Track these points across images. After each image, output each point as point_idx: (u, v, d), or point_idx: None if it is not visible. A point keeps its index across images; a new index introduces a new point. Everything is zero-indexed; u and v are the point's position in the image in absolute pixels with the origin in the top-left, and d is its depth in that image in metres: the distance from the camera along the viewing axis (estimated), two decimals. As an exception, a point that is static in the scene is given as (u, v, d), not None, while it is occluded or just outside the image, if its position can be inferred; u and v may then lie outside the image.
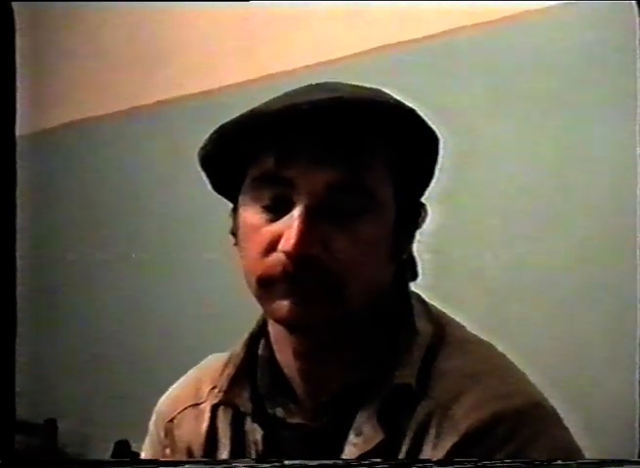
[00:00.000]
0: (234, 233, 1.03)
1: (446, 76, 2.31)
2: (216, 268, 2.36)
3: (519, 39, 2.22)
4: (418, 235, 1.05)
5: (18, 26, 1.21)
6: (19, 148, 1.20)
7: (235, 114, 0.97)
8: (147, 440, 1.17)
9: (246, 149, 0.98)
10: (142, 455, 1.18)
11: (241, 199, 1.01)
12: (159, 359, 2.82)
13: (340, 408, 1.01)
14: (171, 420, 1.13)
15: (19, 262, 1.20)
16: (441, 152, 1.02)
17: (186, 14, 2.87)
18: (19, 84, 1.21)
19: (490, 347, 1.04)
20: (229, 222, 1.04)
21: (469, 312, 1.14)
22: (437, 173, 1.04)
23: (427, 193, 1.05)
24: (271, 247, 0.96)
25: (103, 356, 3.06)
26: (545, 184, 2.18)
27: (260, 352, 1.08)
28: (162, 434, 1.14)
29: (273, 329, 1.04)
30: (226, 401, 1.07)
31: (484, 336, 1.06)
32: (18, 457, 1.19)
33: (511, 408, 0.95)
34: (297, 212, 0.94)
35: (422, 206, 1.04)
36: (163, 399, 1.16)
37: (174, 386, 1.17)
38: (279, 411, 1.04)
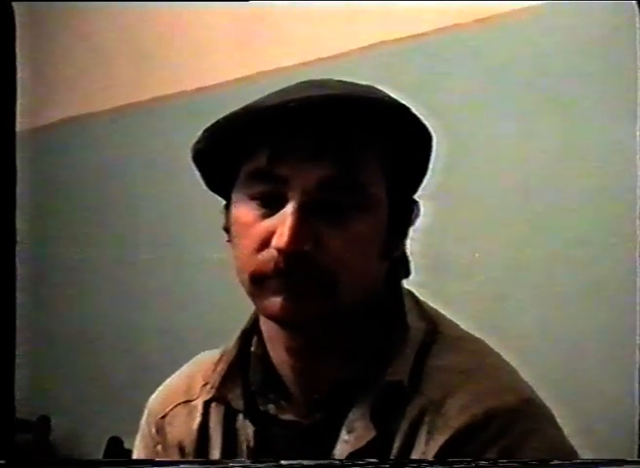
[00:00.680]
0: (227, 229, 1.03)
1: (442, 74, 2.31)
2: (213, 266, 2.35)
3: (517, 37, 2.22)
4: (411, 232, 1.05)
5: (17, 26, 1.21)
6: (17, 145, 1.20)
7: (230, 111, 0.97)
8: (139, 436, 1.17)
9: (239, 146, 0.98)
10: (134, 452, 1.18)
11: (234, 196, 1.00)
12: (153, 356, 2.82)
13: (332, 404, 1.01)
14: (162, 417, 1.13)
15: (18, 262, 1.20)
16: (436, 150, 1.02)
17: (182, 11, 2.87)
18: (18, 82, 1.21)
19: (482, 344, 1.04)
20: (222, 219, 1.04)
21: (463, 310, 1.14)
22: (431, 170, 1.04)
23: (421, 190, 1.05)
24: (264, 243, 0.96)
25: (97, 353, 3.06)
26: (543, 183, 2.18)
27: (252, 349, 1.08)
28: (154, 430, 1.14)
29: (265, 325, 1.04)
30: (218, 397, 1.07)
31: (478, 334, 1.06)
32: (19, 457, 1.19)
33: (504, 405, 0.95)
34: (289, 208, 0.94)
35: (415, 203, 1.04)
36: (155, 396, 1.16)
37: (165, 383, 1.17)
38: (271, 408, 1.04)
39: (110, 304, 3.06)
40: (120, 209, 3.07)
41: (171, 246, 2.89)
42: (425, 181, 1.04)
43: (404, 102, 0.97)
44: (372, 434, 0.98)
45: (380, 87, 1.01)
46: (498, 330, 1.56)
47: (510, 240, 2.20)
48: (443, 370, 0.99)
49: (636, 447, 1.26)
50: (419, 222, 1.05)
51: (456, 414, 0.95)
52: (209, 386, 1.08)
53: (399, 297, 1.04)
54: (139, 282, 3.00)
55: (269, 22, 2.67)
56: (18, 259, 1.21)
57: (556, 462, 0.97)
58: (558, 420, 1.00)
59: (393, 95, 0.99)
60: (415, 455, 0.97)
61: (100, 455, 2.75)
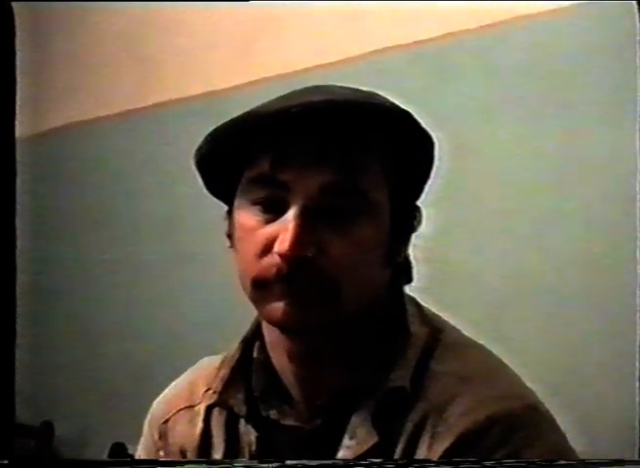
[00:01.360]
0: (229, 235, 1.03)
1: (444, 79, 2.31)
2: (214, 271, 2.36)
3: (517, 41, 2.22)
4: (413, 238, 1.05)
5: (17, 26, 1.21)
6: (18, 150, 1.21)
7: (233, 116, 0.98)
8: (142, 441, 1.17)
9: (241, 151, 0.98)
10: (137, 457, 1.18)
11: (236, 201, 1.01)
12: (157, 361, 2.82)
13: (334, 410, 1.01)
14: (165, 422, 1.13)
15: (19, 262, 1.20)
16: (439, 155, 1.02)
17: (185, 15, 2.87)
18: (18, 85, 1.21)
19: (484, 350, 1.04)
20: (225, 225, 1.04)
21: (465, 315, 1.14)
22: (434, 176, 1.04)
23: (424, 196, 1.05)
24: (266, 249, 0.96)
25: (100, 358, 3.06)
26: (545, 187, 2.18)
27: (254, 354, 1.08)
28: (156, 436, 1.14)
29: (268, 331, 1.04)
30: (221, 402, 1.07)
31: (480, 340, 1.06)
32: (20, 459, 1.19)
33: (506, 410, 0.95)
34: (292, 214, 0.94)
35: (418, 209, 1.04)
36: (157, 401, 1.16)
37: (168, 388, 1.17)
38: (273, 413, 1.04)
39: (112, 307, 3.06)
40: (122, 213, 3.07)
41: (173, 249, 2.89)
42: (428, 187, 1.05)
43: (406, 108, 0.98)
44: (374, 439, 0.98)
45: (383, 93, 1.01)
46: (499, 335, 1.56)
47: (512, 245, 2.20)
48: (445, 375, 0.99)
49: (636, 447, 1.26)
50: (421, 228, 1.05)
51: (458, 420, 0.95)
52: (211, 391, 1.08)
53: (401, 303, 1.04)
54: (141, 285, 3.00)
55: (273, 29, 2.68)
56: (18, 260, 1.21)
57: (557, 463, 0.97)
58: (558, 422, 1.00)
59: (397, 101, 0.99)
60: (417, 460, 0.97)
61: (103, 461, 2.75)
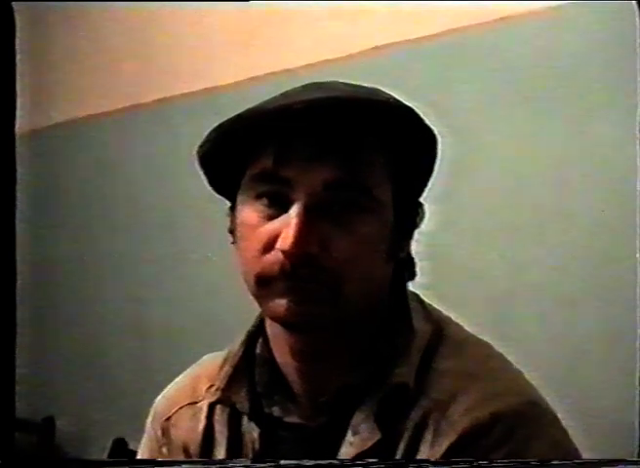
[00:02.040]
0: (232, 232, 1.03)
1: (446, 76, 2.31)
2: (216, 267, 2.35)
3: (519, 39, 2.21)
4: (416, 234, 1.05)
5: (18, 26, 1.21)
6: (18, 146, 1.20)
7: (235, 113, 0.97)
8: (144, 438, 1.17)
9: (244, 148, 0.98)
10: (139, 454, 1.18)
11: (239, 197, 1.01)
12: (158, 357, 2.82)
13: (337, 407, 1.01)
14: (168, 419, 1.13)
15: (19, 262, 1.20)
16: (441, 152, 1.02)
17: (186, 12, 2.87)
18: (18, 83, 1.21)
19: (487, 347, 1.04)
20: (227, 221, 1.04)
21: (468, 312, 1.14)
22: (437, 172, 1.04)
23: (427, 192, 1.05)
24: (269, 245, 0.96)
25: (102, 354, 3.06)
26: (546, 184, 2.18)
27: (257, 351, 1.08)
28: (159, 433, 1.14)
29: (271, 327, 1.04)
30: (224, 399, 1.07)
31: (483, 336, 1.06)
32: (18, 457, 1.19)
33: (509, 407, 0.95)
34: (295, 210, 0.94)
35: (421, 205, 1.04)
36: (160, 397, 1.16)
37: (171, 385, 1.17)
38: (276, 410, 1.04)
39: (113, 305, 3.06)
40: (124, 210, 3.07)
41: (174, 246, 2.89)
42: (431, 184, 1.04)
43: (409, 104, 0.97)
44: (377, 436, 0.98)
45: (386, 89, 1.00)
46: (502, 332, 1.56)
47: (515, 242, 2.20)
48: (448, 372, 0.99)
49: (636, 447, 1.26)
50: (424, 225, 1.05)
51: (461, 417, 0.95)
52: (214, 388, 1.08)
53: (404, 300, 1.04)
54: (142, 282, 3.00)
55: (275, 24, 2.67)
56: (18, 260, 1.21)
57: (556, 462, 0.97)
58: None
59: (400, 97, 0.99)
60: (420, 458, 0.96)
61: (104, 457, 2.75)
